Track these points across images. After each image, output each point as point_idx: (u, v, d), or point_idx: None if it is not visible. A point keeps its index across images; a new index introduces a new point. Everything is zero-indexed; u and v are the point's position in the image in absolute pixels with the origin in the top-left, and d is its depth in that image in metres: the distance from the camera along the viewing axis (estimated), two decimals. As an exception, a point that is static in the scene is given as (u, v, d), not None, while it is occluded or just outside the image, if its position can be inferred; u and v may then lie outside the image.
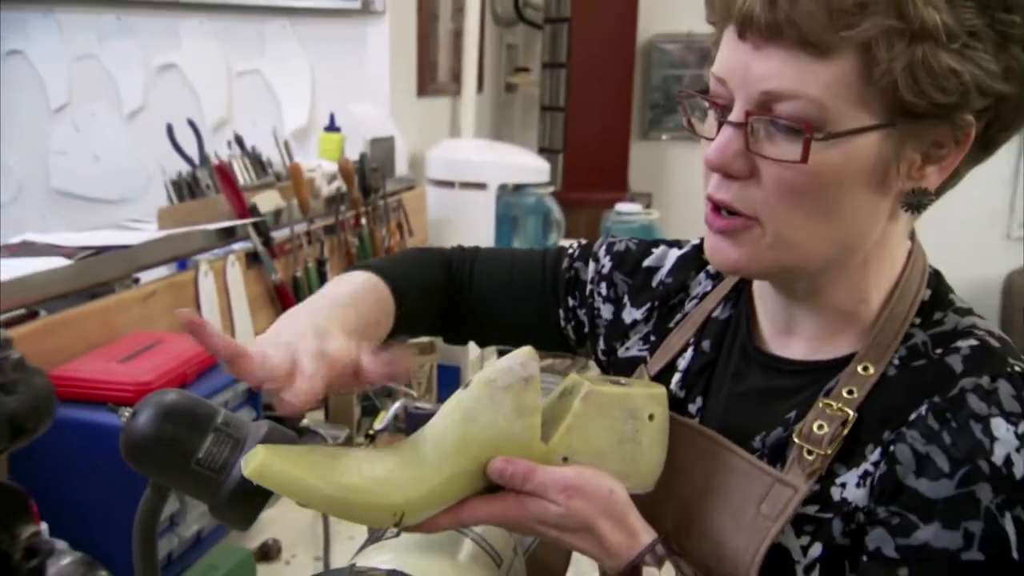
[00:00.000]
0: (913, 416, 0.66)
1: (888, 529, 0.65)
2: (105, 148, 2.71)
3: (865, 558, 0.66)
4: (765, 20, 0.63)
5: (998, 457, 0.62)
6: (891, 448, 0.67)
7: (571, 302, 0.94)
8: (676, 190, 4.16)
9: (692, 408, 0.82)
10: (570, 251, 0.96)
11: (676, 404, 0.82)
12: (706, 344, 0.83)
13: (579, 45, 3.69)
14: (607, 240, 0.95)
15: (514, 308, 0.96)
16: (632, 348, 0.89)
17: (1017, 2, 0.63)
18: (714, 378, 0.82)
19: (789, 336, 0.78)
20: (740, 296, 0.84)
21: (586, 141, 3.77)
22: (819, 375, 0.73)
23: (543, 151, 3.70)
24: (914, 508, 0.64)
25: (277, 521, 1.26)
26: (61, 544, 0.36)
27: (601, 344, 0.93)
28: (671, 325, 0.87)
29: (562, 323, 0.95)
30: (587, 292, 0.94)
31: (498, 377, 0.69)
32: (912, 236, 0.76)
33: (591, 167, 3.78)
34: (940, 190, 0.70)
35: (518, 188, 2.59)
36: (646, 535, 0.70)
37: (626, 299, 0.91)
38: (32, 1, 2.62)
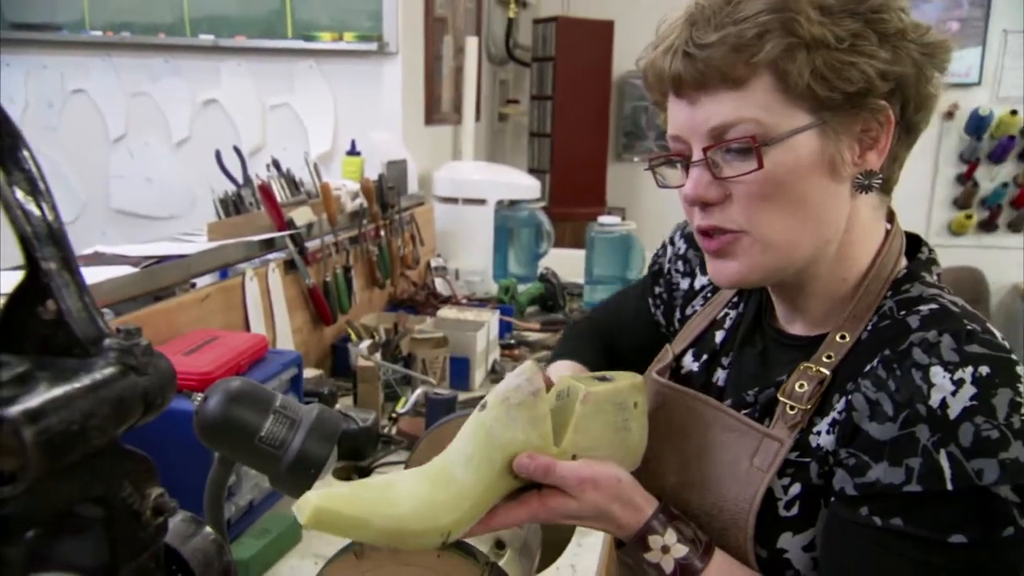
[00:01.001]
0: (868, 368, 0.67)
1: (847, 470, 0.65)
2: (156, 172, 2.71)
3: (832, 498, 0.67)
4: (691, 75, 0.67)
5: (935, 401, 0.61)
6: (850, 397, 0.67)
7: (657, 289, 0.96)
8: (646, 205, 4.17)
9: (725, 361, 0.83)
10: (657, 250, 1.00)
11: (714, 356, 0.84)
12: (730, 314, 0.85)
13: (562, 80, 3.69)
14: (680, 226, 0.97)
15: (631, 330, 1.01)
16: (697, 305, 0.91)
17: (881, 4, 0.67)
18: (728, 342, 0.84)
19: (790, 324, 0.79)
20: (763, 292, 0.84)
21: (569, 162, 3.78)
22: (811, 348, 0.74)
23: (532, 171, 3.71)
24: (866, 449, 0.64)
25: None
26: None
27: (677, 314, 0.93)
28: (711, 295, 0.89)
29: (652, 310, 0.97)
30: (667, 273, 0.95)
31: (511, 395, 0.68)
32: (894, 225, 0.76)
33: (574, 185, 3.79)
34: (888, 173, 0.72)
35: (513, 203, 2.59)
36: (649, 508, 0.71)
37: (697, 270, 0.92)
38: (93, 47, 2.62)
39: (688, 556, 0.69)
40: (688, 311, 0.92)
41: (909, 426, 0.62)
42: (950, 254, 3.93)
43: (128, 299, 1.25)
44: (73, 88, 2.68)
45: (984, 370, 0.61)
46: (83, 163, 2.72)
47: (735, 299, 0.86)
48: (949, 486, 0.60)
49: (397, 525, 0.65)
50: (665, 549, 0.69)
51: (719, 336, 0.84)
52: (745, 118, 0.66)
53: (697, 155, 0.69)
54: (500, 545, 0.77)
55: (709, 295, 0.90)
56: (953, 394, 0.61)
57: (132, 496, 0.35)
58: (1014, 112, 3.69)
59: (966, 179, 3.85)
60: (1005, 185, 3.83)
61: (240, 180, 1.79)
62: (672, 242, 0.96)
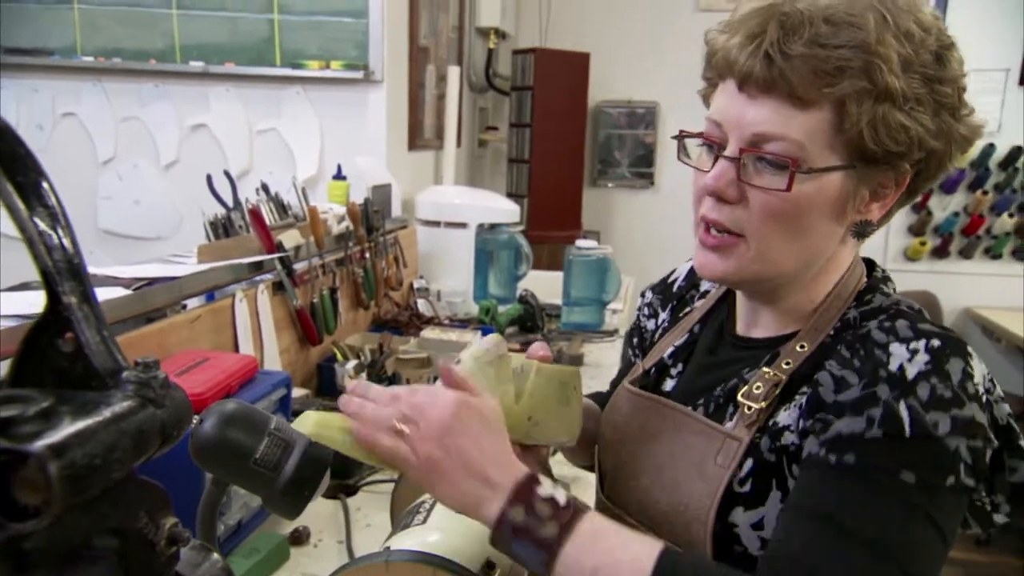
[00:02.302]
0: (834, 353, 0.69)
1: (814, 434, 0.66)
2: (144, 194, 2.67)
3: (801, 463, 0.67)
4: (764, 76, 0.65)
5: (893, 366, 0.64)
6: (815, 378, 0.68)
7: (635, 340, 0.98)
8: (619, 229, 4.20)
9: (673, 372, 0.85)
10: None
11: (662, 370, 0.86)
12: (696, 328, 0.87)
13: (540, 109, 3.72)
14: (643, 292, 0.99)
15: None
16: (657, 333, 0.93)
17: (948, 77, 0.67)
18: (695, 352, 0.85)
19: (753, 326, 0.80)
20: (728, 294, 0.87)
21: (547, 187, 3.80)
22: (767, 350, 0.75)
23: (511, 196, 3.72)
24: (831, 412, 0.65)
25: (306, 511, 1.24)
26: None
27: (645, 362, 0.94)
28: (680, 316, 0.91)
29: (633, 360, 0.96)
30: (639, 324, 0.97)
31: (482, 355, 0.76)
32: (856, 255, 0.79)
33: (551, 209, 3.80)
34: (880, 223, 0.74)
35: (493, 227, 2.60)
36: (526, 469, 0.66)
37: (659, 309, 0.95)
38: (84, 72, 2.59)
39: (574, 499, 0.64)
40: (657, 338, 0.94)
41: (871, 387, 0.64)
42: (906, 279, 4.00)
43: (119, 321, 1.23)
44: (64, 111, 2.64)
45: (936, 342, 0.64)
46: (72, 185, 2.67)
47: (699, 322, 0.87)
48: (908, 431, 0.61)
49: None
50: (555, 487, 0.64)
51: (685, 349, 0.86)
52: (791, 138, 0.66)
53: (731, 151, 0.69)
54: (490, 566, 0.77)
55: (677, 319, 0.91)
56: (909, 360, 0.64)
57: (147, 527, 0.34)
58: (965, 145, 3.80)
59: (920, 208, 3.94)
60: (956, 214, 3.91)
61: (230, 203, 1.77)
62: (643, 295, 0.99)
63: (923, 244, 3.94)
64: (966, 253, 3.97)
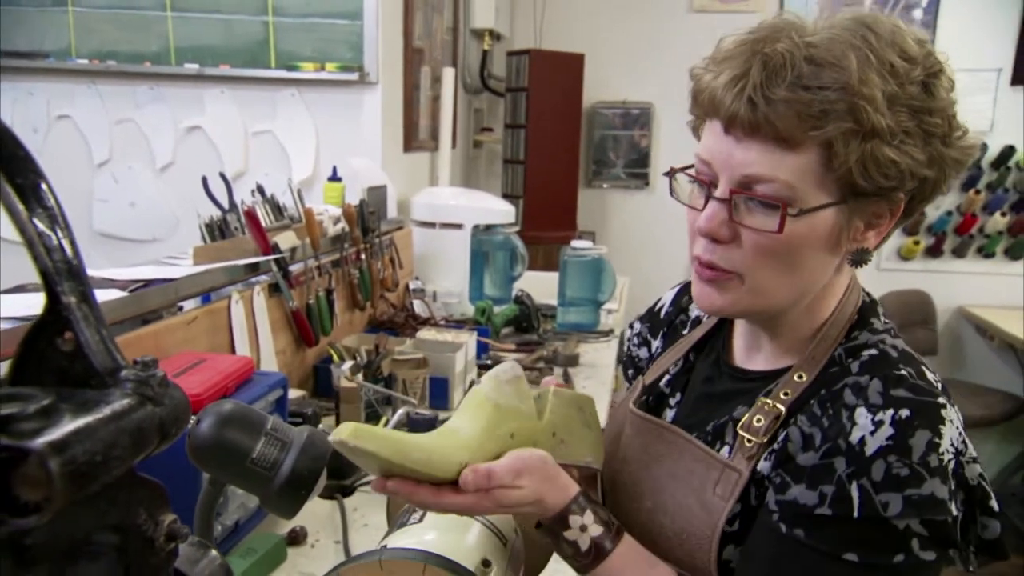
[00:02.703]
0: (807, 407, 0.70)
1: (774, 488, 0.68)
2: (140, 196, 2.67)
3: (761, 511, 0.70)
4: (748, 120, 0.65)
5: (854, 438, 0.64)
6: (788, 431, 0.70)
7: (630, 372, 0.98)
8: (614, 229, 4.21)
9: (672, 401, 0.85)
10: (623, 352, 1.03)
11: (660, 398, 0.86)
12: (691, 355, 0.87)
13: (535, 109, 3.72)
14: (637, 316, 1.00)
15: None
16: (651, 360, 0.94)
17: (937, 108, 0.67)
18: (691, 381, 0.85)
19: (754, 353, 0.81)
20: (724, 322, 0.86)
21: (542, 188, 3.80)
22: (767, 382, 0.76)
23: (506, 197, 3.73)
24: (791, 472, 0.67)
25: (303, 511, 1.25)
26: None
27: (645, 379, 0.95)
28: (674, 342, 0.91)
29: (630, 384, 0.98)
30: (631, 355, 0.98)
31: (500, 374, 0.77)
32: (852, 276, 0.79)
33: (546, 210, 3.80)
34: (876, 248, 0.74)
35: (489, 228, 2.60)
36: (573, 489, 0.72)
37: (649, 337, 0.96)
38: (79, 74, 2.59)
39: (601, 536, 0.71)
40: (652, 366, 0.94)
41: (829, 457, 0.65)
42: (900, 278, 4.02)
43: (116, 322, 1.23)
44: (58, 114, 2.64)
45: (904, 413, 0.64)
46: (67, 187, 2.66)
47: (694, 347, 0.88)
48: (856, 513, 0.63)
49: (427, 455, 0.69)
50: (583, 528, 0.71)
51: (683, 366, 0.87)
52: (781, 179, 0.66)
53: (722, 192, 0.69)
54: (486, 563, 0.77)
55: (670, 345, 0.92)
56: (872, 433, 0.64)
57: (146, 523, 0.34)
58: (957, 144, 3.82)
59: (914, 207, 3.96)
60: (949, 213, 3.93)
61: (226, 205, 1.77)
62: (632, 326, 1.00)
63: (917, 243, 3.95)
64: (959, 252, 3.99)
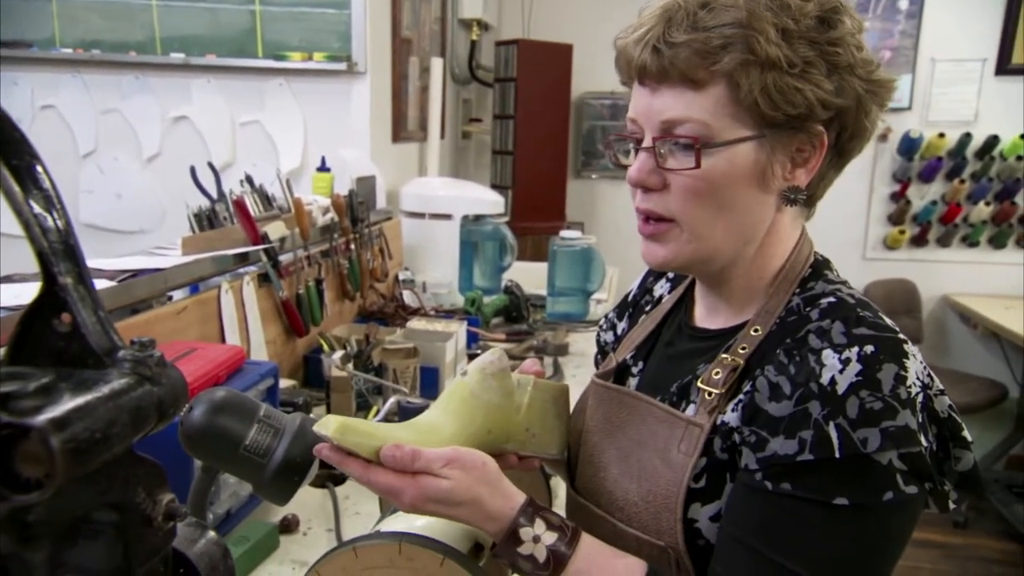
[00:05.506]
0: (773, 356, 0.70)
1: (750, 447, 0.68)
2: (126, 188, 2.65)
3: (739, 472, 0.70)
4: (656, 67, 0.71)
5: (825, 379, 0.65)
6: (755, 381, 0.70)
7: (599, 357, 1.01)
8: (603, 219, 4.22)
9: (635, 370, 0.87)
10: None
11: (623, 368, 0.88)
12: (657, 327, 0.89)
13: (523, 100, 3.72)
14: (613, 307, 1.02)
15: None
16: (618, 342, 0.95)
17: (839, 38, 0.70)
18: (655, 347, 0.87)
19: (714, 315, 0.82)
20: (686, 292, 0.89)
21: (531, 179, 3.80)
22: (726, 338, 0.78)
23: (495, 187, 3.72)
24: (765, 426, 0.67)
25: (295, 500, 1.25)
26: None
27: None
28: (639, 319, 0.93)
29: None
30: (601, 343, 1.00)
31: (487, 367, 0.78)
32: (803, 231, 0.80)
33: (535, 200, 3.81)
34: (814, 190, 0.76)
35: (478, 218, 2.60)
36: (519, 498, 0.72)
37: (616, 321, 0.98)
38: (63, 64, 2.56)
39: (556, 543, 0.70)
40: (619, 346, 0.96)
41: (803, 403, 0.66)
42: (885, 267, 4.06)
43: (105, 312, 1.23)
44: (43, 104, 2.61)
45: (869, 348, 0.66)
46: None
47: (660, 323, 0.89)
48: (837, 454, 0.64)
49: (405, 440, 0.71)
50: (536, 539, 0.70)
51: (645, 347, 0.88)
52: (694, 118, 0.70)
53: (647, 141, 0.73)
54: (478, 548, 0.78)
55: (626, 329, 0.94)
56: (841, 372, 0.65)
57: (145, 502, 0.35)
58: (941, 135, 3.83)
59: (899, 197, 3.98)
60: (934, 203, 3.96)
61: (214, 195, 1.77)
62: (606, 317, 1.02)
63: (902, 232, 3.98)
64: (944, 241, 4.02)
